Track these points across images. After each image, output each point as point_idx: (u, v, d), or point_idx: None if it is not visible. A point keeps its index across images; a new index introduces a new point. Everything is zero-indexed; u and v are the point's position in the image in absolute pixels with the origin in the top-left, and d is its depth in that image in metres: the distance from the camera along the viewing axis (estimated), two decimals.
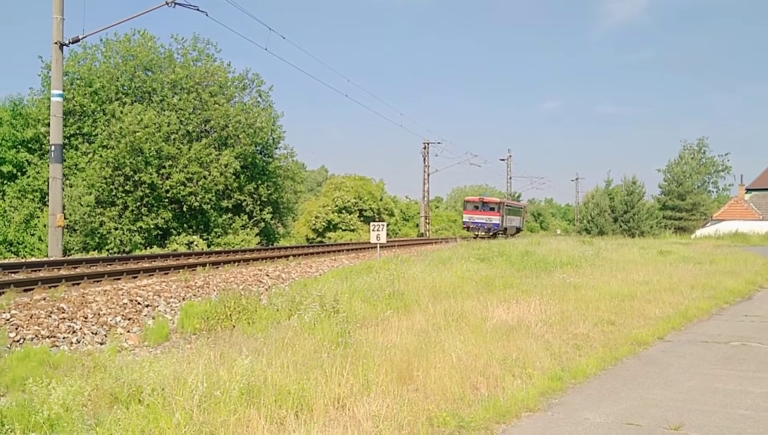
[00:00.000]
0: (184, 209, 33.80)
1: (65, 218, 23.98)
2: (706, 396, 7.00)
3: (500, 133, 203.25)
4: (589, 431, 5.84)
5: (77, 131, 32.46)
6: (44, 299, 12.38)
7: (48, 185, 23.83)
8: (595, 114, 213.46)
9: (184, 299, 14.69)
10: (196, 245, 31.88)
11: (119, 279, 16.24)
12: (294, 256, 25.99)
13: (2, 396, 7.34)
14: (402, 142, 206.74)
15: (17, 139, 32.48)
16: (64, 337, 10.74)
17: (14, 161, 32.15)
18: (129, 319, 12.53)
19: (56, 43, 22.19)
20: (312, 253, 28.66)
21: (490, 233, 54.64)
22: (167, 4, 22.82)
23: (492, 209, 56.22)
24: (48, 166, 24.93)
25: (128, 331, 11.99)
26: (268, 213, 37.68)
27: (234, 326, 11.20)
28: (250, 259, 23.51)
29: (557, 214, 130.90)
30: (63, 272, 16.74)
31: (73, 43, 23.29)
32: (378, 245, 26.32)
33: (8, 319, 10.73)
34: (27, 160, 32.16)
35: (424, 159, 63.37)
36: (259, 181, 37.65)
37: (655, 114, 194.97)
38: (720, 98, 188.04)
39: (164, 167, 32.46)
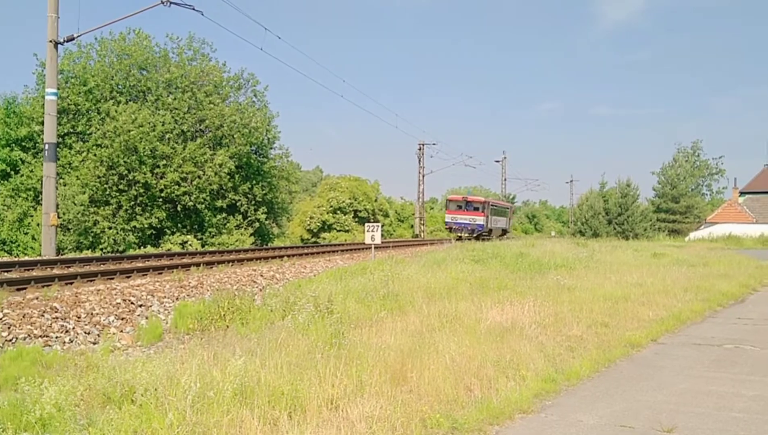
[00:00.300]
0: (179, 209, 33.72)
1: (59, 217, 23.89)
2: (699, 398, 7.02)
3: (495, 135, 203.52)
4: (583, 433, 5.85)
5: (71, 130, 32.33)
6: (37, 298, 12.34)
7: (42, 184, 23.74)
8: (590, 116, 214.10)
9: (177, 299, 14.66)
10: (190, 245, 31.80)
11: (113, 278, 16.19)
12: (288, 256, 25.97)
13: None
14: (397, 143, 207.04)
15: (11, 138, 32.32)
16: (56, 337, 10.71)
17: (8, 160, 32.00)
18: (122, 319, 12.50)
19: (51, 41, 22.12)
20: (306, 254, 28.65)
21: (474, 235, 51.98)
22: (162, 3, 22.77)
23: (476, 209, 53.33)
24: (42, 164, 24.84)
25: (121, 331, 11.96)
26: (262, 213, 37.62)
27: (228, 326, 11.19)
28: (245, 259, 23.48)
29: (552, 216, 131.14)
30: (56, 271, 16.68)
31: (67, 41, 23.22)
32: (373, 246, 26.33)
33: (1, 318, 10.69)
34: (21, 159, 32.00)
35: (419, 160, 63.48)
36: (254, 181, 37.58)
37: (649, 116, 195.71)
38: (714, 101, 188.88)
39: (158, 167, 32.37)
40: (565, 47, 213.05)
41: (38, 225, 26.75)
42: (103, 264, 19.36)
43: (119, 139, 30.40)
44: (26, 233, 29.92)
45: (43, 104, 24.03)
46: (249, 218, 36.98)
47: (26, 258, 21.83)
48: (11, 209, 30.50)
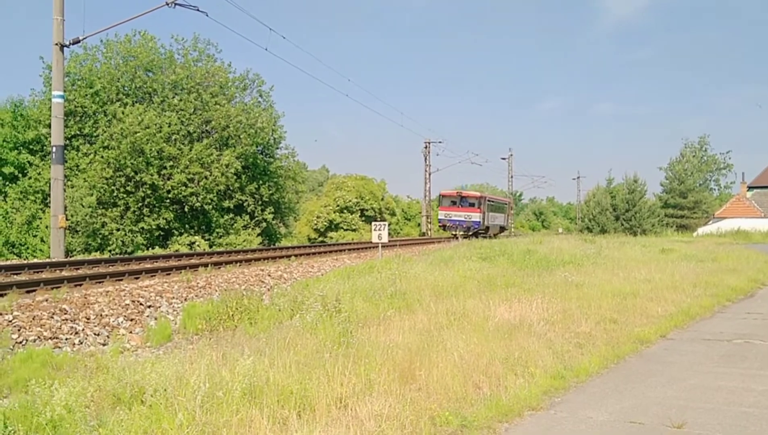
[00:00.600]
0: (186, 210, 33.80)
1: (67, 219, 24.00)
2: (709, 394, 6.99)
3: (501, 132, 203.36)
4: (592, 429, 5.83)
5: (78, 132, 32.46)
6: (46, 300, 12.39)
7: (50, 186, 23.85)
8: (597, 112, 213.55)
9: (186, 300, 14.70)
10: (197, 246, 31.88)
11: (121, 280, 16.25)
12: (296, 256, 26.00)
13: (5, 397, 7.35)
14: (403, 142, 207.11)
15: (18, 141, 32.48)
16: (66, 339, 10.75)
17: (16, 163, 32.16)
18: (131, 320, 12.54)
19: (57, 44, 22.20)
20: (314, 253, 28.67)
21: (470, 233, 49.18)
22: (167, 4, 22.82)
23: (472, 205, 49.98)
24: (49, 167, 24.93)
25: (130, 332, 12.00)
26: (269, 213, 37.66)
27: (236, 326, 11.21)
28: (252, 259, 23.52)
29: (559, 213, 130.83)
30: (65, 273, 16.75)
31: (73, 44, 23.30)
32: (380, 245, 26.32)
33: (11, 321, 10.75)
34: (28, 162, 32.16)
35: (426, 158, 63.39)
36: (261, 181, 37.63)
37: (656, 112, 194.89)
38: (721, 96, 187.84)
39: (165, 168, 32.45)
40: (569, 45, 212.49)
41: (47, 227, 26.88)
42: (112, 265, 19.43)
43: (126, 141, 30.49)
44: (35, 236, 30.07)
45: (50, 107, 24.13)
46: (256, 218, 37.04)
47: (35, 260, 21.94)
48: (20, 212, 30.65)
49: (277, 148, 40.99)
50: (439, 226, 53.22)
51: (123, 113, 31.33)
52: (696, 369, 8.13)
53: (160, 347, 11.10)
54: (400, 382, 6.46)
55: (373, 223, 27.57)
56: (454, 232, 50.04)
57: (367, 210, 57.22)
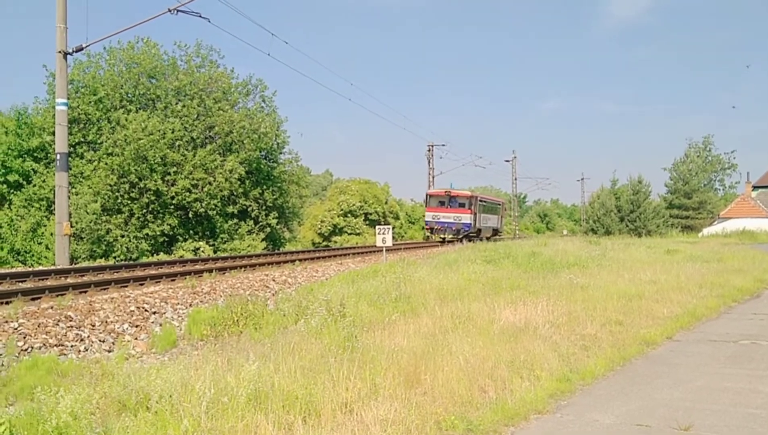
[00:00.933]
0: (190, 215, 33.84)
1: (72, 226, 24.05)
2: (716, 395, 6.96)
3: (505, 134, 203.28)
4: (599, 432, 5.81)
5: (82, 139, 32.55)
6: (52, 308, 12.41)
7: (54, 194, 23.91)
8: (600, 113, 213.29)
9: (191, 305, 14.71)
10: (202, 251, 31.89)
11: (126, 286, 16.27)
12: (300, 260, 26.01)
13: (11, 405, 7.36)
14: (406, 145, 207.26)
15: (23, 149, 32.57)
16: (71, 345, 10.77)
17: (20, 170, 32.24)
18: (136, 326, 12.55)
19: (60, 52, 22.28)
20: (318, 258, 28.68)
21: (459, 236, 45.37)
22: (170, 11, 22.88)
23: (462, 205, 45.99)
24: (54, 174, 25.00)
25: (136, 338, 12.01)
26: (273, 218, 37.68)
27: (241, 332, 11.22)
28: (257, 264, 23.54)
29: (563, 215, 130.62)
30: (70, 280, 16.78)
31: (76, 51, 23.38)
32: (384, 248, 26.33)
33: (16, 328, 10.77)
34: (33, 169, 32.25)
35: (429, 161, 63.39)
36: (264, 186, 37.67)
37: (660, 112, 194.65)
38: (726, 95, 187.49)
39: (169, 174, 32.51)
40: (572, 45, 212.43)
41: (51, 235, 26.92)
42: (117, 272, 19.46)
43: (130, 148, 30.56)
44: (40, 243, 30.13)
45: (54, 115, 24.20)
46: (260, 223, 37.06)
47: (40, 268, 21.99)
48: (25, 219, 30.73)
49: (281, 153, 41.04)
50: (426, 229, 49.21)
51: (126, 120, 31.41)
52: (702, 370, 8.10)
53: (165, 353, 11.11)
54: (405, 387, 6.45)
55: (377, 226, 27.58)
56: (442, 236, 46.16)
57: (371, 214, 57.22)
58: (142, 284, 16.88)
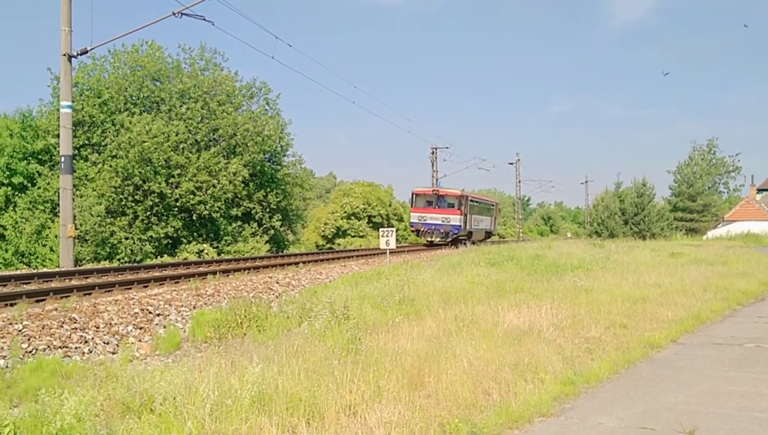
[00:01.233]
0: (194, 218, 33.91)
1: (76, 229, 24.10)
2: (721, 399, 6.94)
3: (509, 137, 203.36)
4: None
5: (86, 142, 32.67)
6: (56, 310, 12.44)
7: (58, 196, 23.98)
8: (604, 116, 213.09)
9: (194, 308, 14.72)
10: (206, 254, 31.96)
11: (130, 288, 16.29)
12: (304, 262, 26.01)
13: (15, 407, 7.37)
14: (410, 148, 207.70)
15: (27, 151, 32.71)
16: (76, 347, 10.79)
17: (25, 173, 32.37)
18: (140, 329, 12.57)
19: (65, 54, 22.35)
20: (322, 260, 28.68)
21: (448, 239, 42.72)
22: (174, 14, 22.94)
23: (451, 206, 42.73)
24: (58, 177, 25.08)
25: (140, 341, 12.03)
26: (277, 220, 37.75)
27: (245, 334, 11.21)
28: (260, 266, 23.56)
29: (567, 218, 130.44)
30: (74, 282, 16.82)
31: (81, 54, 23.46)
32: (387, 251, 26.33)
33: (20, 330, 10.79)
34: (37, 172, 32.38)
35: (433, 164, 63.29)
36: (268, 189, 37.74)
37: (664, 114, 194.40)
38: (730, 98, 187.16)
39: (173, 176, 32.60)
40: (576, 48, 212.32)
41: (56, 237, 27.01)
42: (121, 274, 19.50)
43: (134, 150, 30.66)
44: (44, 245, 30.24)
45: (59, 117, 24.28)
46: (264, 226, 37.12)
47: (45, 270, 22.05)
48: (29, 222, 30.84)
49: (285, 156, 41.15)
50: (411, 232, 45.96)
51: (131, 122, 31.51)
52: (707, 374, 8.07)
53: (169, 355, 11.12)
54: (409, 389, 6.44)
55: (380, 229, 27.58)
56: (429, 239, 43.28)
57: (374, 216, 57.19)
58: (146, 286, 16.91)
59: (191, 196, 32.80)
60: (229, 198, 34.80)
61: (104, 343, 11.39)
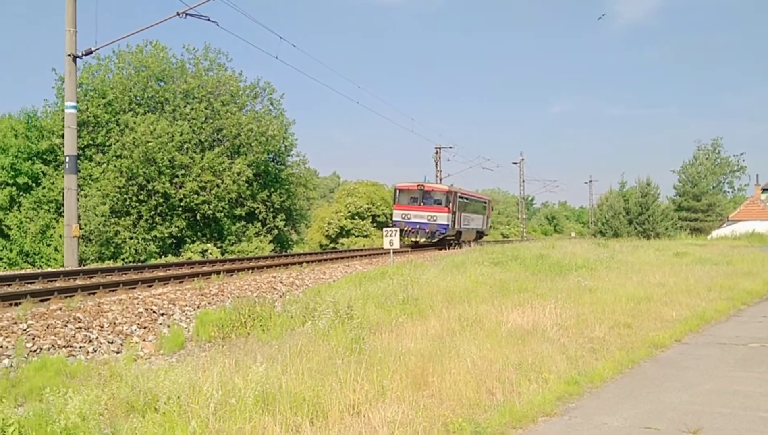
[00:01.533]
0: (198, 218, 33.95)
1: (80, 228, 24.16)
2: (725, 398, 6.92)
3: (513, 137, 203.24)
4: None
5: (91, 142, 32.72)
6: (60, 309, 12.47)
7: (63, 196, 24.03)
8: (608, 115, 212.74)
9: (198, 307, 14.74)
10: (210, 253, 31.99)
11: (134, 288, 16.32)
12: (307, 262, 26.03)
13: (20, 406, 7.39)
14: (414, 147, 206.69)
15: (32, 151, 32.80)
16: (80, 347, 10.81)
17: (29, 173, 32.46)
18: (144, 328, 12.59)
19: (69, 55, 22.40)
20: (325, 260, 28.70)
21: (435, 239, 39.39)
22: (178, 15, 22.97)
23: (438, 203, 39.11)
24: (63, 177, 25.13)
25: (144, 340, 12.04)
26: (281, 220, 37.77)
27: (249, 333, 11.22)
28: (264, 266, 23.57)
29: (571, 217, 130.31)
30: (79, 282, 16.85)
31: (86, 55, 23.50)
32: (391, 250, 26.33)
33: (25, 330, 10.82)
34: (42, 172, 32.46)
35: (437, 164, 63.32)
36: (272, 189, 37.76)
37: (668, 114, 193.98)
38: (734, 97, 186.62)
39: (177, 176, 32.64)
40: (579, 48, 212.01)
41: (60, 236, 27.06)
42: (125, 274, 19.53)
43: (138, 150, 30.71)
44: (49, 245, 30.30)
45: (63, 117, 24.33)
46: (268, 226, 37.14)
47: (49, 269, 22.10)
48: (34, 221, 30.92)
49: (288, 156, 41.15)
50: None
51: (135, 123, 31.56)
52: (712, 373, 8.05)
53: (173, 355, 11.13)
54: (412, 389, 6.44)
55: (384, 229, 27.56)
56: (414, 239, 39.69)
57: (378, 216, 57.15)
58: (150, 286, 16.94)
59: (195, 196, 32.84)
60: (233, 198, 34.82)
61: (108, 342, 11.41)
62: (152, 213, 32.05)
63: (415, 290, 13.96)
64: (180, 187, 32.76)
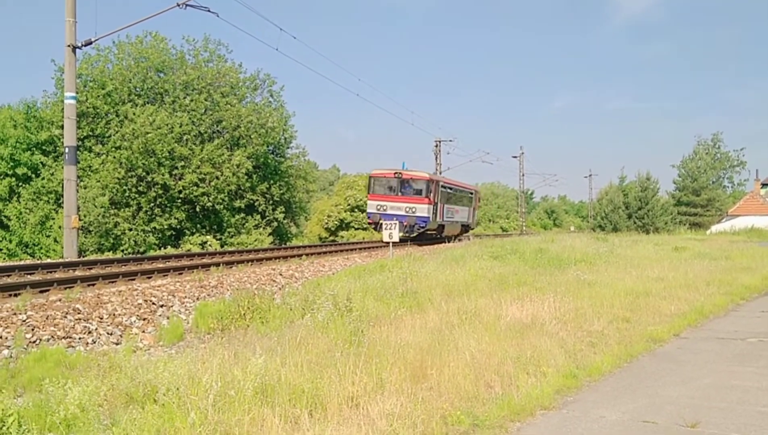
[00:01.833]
0: (197, 209, 33.96)
1: (80, 220, 24.14)
2: (723, 393, 6.94)
3: (513, 130, 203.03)
4: (605, 429, 5.80)
5: (90, 133, 32.70)
6: (60, 300, 12.47)
7: (62, 187, 24.02)
8: (608, 110, 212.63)
9: (198, 299, 14.74)
10: (209, 245, 32.02)
11: (134, 279, 16.32)
12: (307, 255, 26.03)
13: (19, 396, 7.40)
14: (414, 141, 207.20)
15: (31, 142, 32.79)
16: (79, 338, 10.82)
17: (29, 163, 32.45)
18: (144, 320, 12.59)
19: (69, 45, 22.33)
20: (325, 252, 28.69)
21: (414, 234, 35.05)
22: (178, 5, 22.90)
23: (417, 193, 34.92)
24: (62, 168, 25.12)
25: (143, 331, 12.05)
26: (280, 212, 37.79)
27: (248, 325, 11.23)
28: (264, 258, 23.57)
29: (571, 211, 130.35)
30: (78, 273, 16.85)
31: (85, 45, 23.42)
32: (391, 244, 26.31)
33: (24, 320, 10.82)
34: (41, 163, 32.45)
35: (436, 157, 63.21)
36: (272, 181, 37.76)
37: (669, 109, 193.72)
38: (735, 92, 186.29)
39: (177, 168, 32.63)
40: (580, 41, 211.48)
41: (60, 227, 27.09)
42: (125, 265, 19.52)
43: (137, 142, 30.69)
44: (48, 236, 30.33)
45: (63, 108, 24.28)
46: (267, 218, 37.16)
47: (48, 260, 22.11)
48: (33, 212, 30.92)
49: (288, 148, 41.17)
50: (368, 224, 38.51)
51: (134, 114, 31.53)
52: (710, 368, 8.07)
53: (173, 346, 11.14)
54: (411, 381, 6.45)
55: (383, 222, 27.51)
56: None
57: None
58: (149, 277, 16.93)
59: (195, 188, 32.84)
60: (233, 190, 34.83)
61: (108, 333, 11.41)
62: (151, 204, 32.06)
63: (414, 283, 13.97)
64: (179, 179, 32.75)
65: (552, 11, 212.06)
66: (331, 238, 54.70)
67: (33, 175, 32.46)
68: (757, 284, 16.08)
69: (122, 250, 29.35)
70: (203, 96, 34.61)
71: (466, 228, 45.46)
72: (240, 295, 12.61)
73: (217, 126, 35.50)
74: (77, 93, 24.78)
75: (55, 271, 17.10)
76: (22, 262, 20.53)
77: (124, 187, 31.31)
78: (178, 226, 33.06)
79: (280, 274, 19.73)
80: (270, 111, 38.03)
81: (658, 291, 13.68)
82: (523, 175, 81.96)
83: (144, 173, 31.57)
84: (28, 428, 5.22)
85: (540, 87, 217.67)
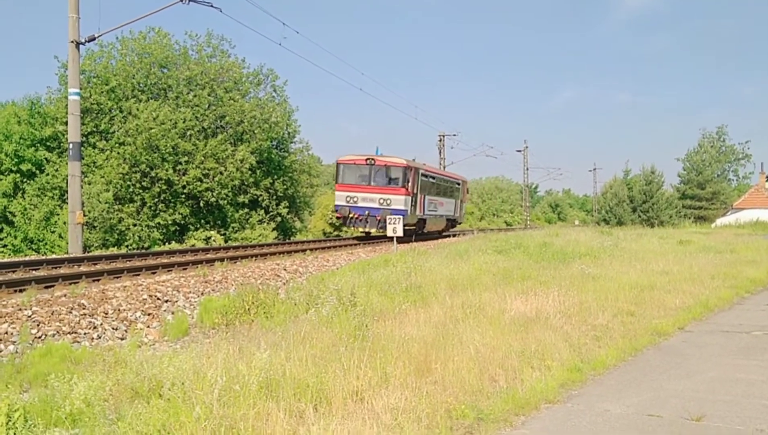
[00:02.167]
0: (201, 205, 33.98)
1: (84, 215, 24.19)
2: (728, 386, 6.93)
3: (517, 124, 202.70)
4: (610, 422, 5.80)
5: (94, 129, 32.71)
6: (65, 296, 12.51)
7: (67, 183, 24.05)
8: (613, 103, 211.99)
9: (202, 294, 14.77)
10: (213, 240, 32.03)
11: (138, 275, 16.37)
12: (311, 250, 26.05)
13: (25, 392, 7.43)
14: (418, 135, 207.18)
15: (36, 138, 32.80)
16: (85, 333, 10.85)
17: (33, 160, 32.47)
18: (149, 315, 12.63)
19: (72, 41, 22.33)
20: (329, 247, 28.70)
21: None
22: (182, 1, 22.87)
23: (394, 182, 30.44)
24: (66, 163, 25.15)
25: (148, 326, 12.08)
26: (284, 207, 37.79)
27: (252, 320, 11.25)
28: (268, 253, 23.59)
29: (575, 205, 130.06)
30: (83, 269, 16.90)
31: (89, 41, 23.42)
32: (395, 238, 26.30)
33: (30, 316, 10.86)
34: (46, 159, 32.48)
35: (440, 151, 63.12)
36: (275, 176, 37.75)
37: (674, 102, 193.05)
38: (740, 85, 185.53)
39: (180, 163, 32.64)
40: (584, 34, 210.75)
41: (65, 223, 27.12)
42: (129, 260, 19.57)
43: (141, 137, 30.70)
44: (53, 232, 30.38)
45: (66, 104, 24.30)
46: (271, 213, 37.16)
47: (54, 256, 22.15)
48: (38, 208, 30.97)
49: (292, 143, 41.13)
50: (336, 218, 33.44)
51: (138, 109, 31.53)
52: (715, 361, 8.06)
53: (178, 341, 11.17)
54: (416, 376, 6.46)
55: (387, 217, 27.47)
56: (363, 229, 31.00)
57: None
58: (154, 273, 16.97)
59: (198, 183, 32.86)
60: (236, 185, 34.83)
61: (113, 328, 11.45)
62: (156, 200, 32.10)
63: (418, 278, 13.97)
64: (183, 175, 32.77)
65: (556, 5, 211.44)
66: (336, 233, 54.67)
67: (37, 171, 32.49)
68: (763, 277, 16.04)
69: (127, 246, 29.40)
70: (206, 91, 34.59)
71: (452, 222, 41.74)
72: (244, 290, 12.63)
73: (221, 121, 35.50)
74: (81, 89, 24.76)
75: (60, 267, 17.16)
76: (27, 258, 20.60)
77: (128, 183, 31.35)
78: (183, 222, 33.10)
79: (284, 269, 19.75)
80: (273, 106, 38.00)
81: (663, 284, 13.66)
82: (527, 169, 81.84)
83: (148, 169, 31.60)
84: (34, 423, 5.24)
85: (544, 81, 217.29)
